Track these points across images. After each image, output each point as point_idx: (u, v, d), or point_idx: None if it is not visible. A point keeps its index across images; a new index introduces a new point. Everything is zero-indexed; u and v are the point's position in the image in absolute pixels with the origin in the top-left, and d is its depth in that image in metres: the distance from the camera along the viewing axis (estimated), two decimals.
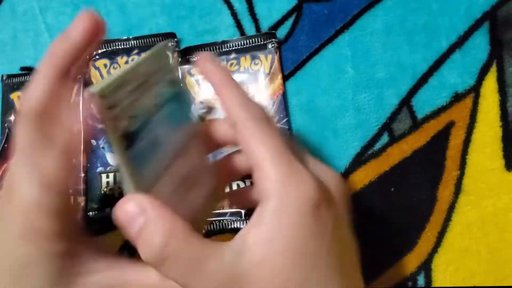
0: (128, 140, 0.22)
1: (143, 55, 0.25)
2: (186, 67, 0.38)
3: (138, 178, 0.23)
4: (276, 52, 0.38)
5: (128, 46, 0.38)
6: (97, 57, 0.38)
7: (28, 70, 0.39)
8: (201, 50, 0.38)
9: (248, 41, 0.38)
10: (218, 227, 0.36)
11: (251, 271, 0.21)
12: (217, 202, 0.34)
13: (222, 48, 0.38)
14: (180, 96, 0.26)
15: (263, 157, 0.23)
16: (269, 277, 0.21)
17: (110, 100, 0.21)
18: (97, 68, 0.38)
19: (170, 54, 0.25)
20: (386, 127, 0.38)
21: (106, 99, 0.21)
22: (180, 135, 0.26)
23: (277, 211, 0.22)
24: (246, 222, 0.29)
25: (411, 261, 0.37)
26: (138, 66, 0.23)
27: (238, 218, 0.36)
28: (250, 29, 0.39)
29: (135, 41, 0.38)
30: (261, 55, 0.38)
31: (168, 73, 0.25)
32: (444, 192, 0.37)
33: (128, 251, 0.37)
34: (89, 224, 0.37)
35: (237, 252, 0.22)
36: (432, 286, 0.37)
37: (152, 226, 0.22)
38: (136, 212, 0.22)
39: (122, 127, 0.22)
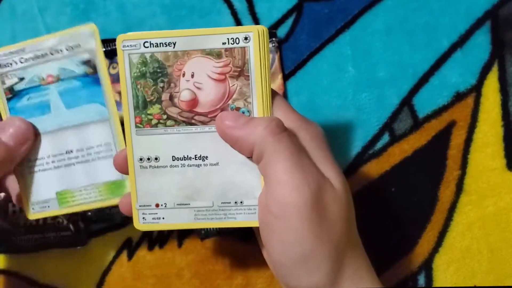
0: (12, 94, 0.30)
1: (59, 32, 0.30)
2: None
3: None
4: (277, 52, 0.38)
5: None
6: None
7: None
8: None
9: None
10: (215, 229, 0.35)
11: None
12: None
13: None
14: (91, 79, 0.31)
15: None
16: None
17: (2, 60, 0.30)
18: None
19: (93, 39, 0.30)
20: (387, 126, 0.38)
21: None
22: (77, 112, 0.31)
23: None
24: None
25: (412, 261, 0.37)
26: (44, 40, 0.30)
27: None
28: None
29: None
30: None
31: (83, 54, 0.30)
32: (445, 192, 0.37)
33: (128, 250, 0.37)
34: (88, 224, 0.37)
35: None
36: (433, 286, 0.37)
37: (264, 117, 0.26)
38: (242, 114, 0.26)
39: (9, 82, 0.30)
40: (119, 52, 0.27)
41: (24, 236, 0.36)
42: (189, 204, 0.28)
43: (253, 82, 0.27)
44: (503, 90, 0.38)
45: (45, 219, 0.36)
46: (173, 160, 0.28)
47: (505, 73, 0.38)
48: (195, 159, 0.27)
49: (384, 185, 0.38)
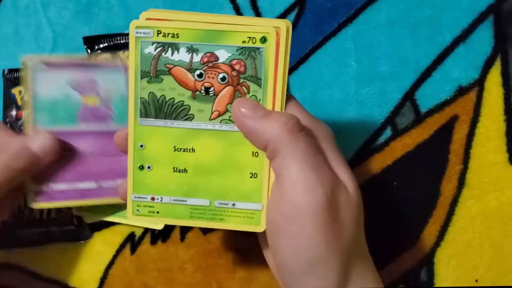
0: None
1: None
2: None
3: None
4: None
5: None
6: (99, 51, 0.38)
7: None
8: None
9: None
10: None
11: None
12: None
13: None
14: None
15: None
16: None
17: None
18: None
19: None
20: (389, 121, 0.38)
21: None
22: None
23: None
24: None
25: (414, 255, 0.37)
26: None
27: None
28: None
29: None
30: None
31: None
32: (447, 186, 0.37)
33: (131, 244, 0.37)
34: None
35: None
36: (434, 286, 0.37)
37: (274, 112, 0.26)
38: (261, 105, 0.26)
39: None
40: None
41: (28, 230, 0.36)
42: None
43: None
44: (506, 84, 0.38)
45: (49, 213, 0.36)
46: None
47: (508, 68, 0.38)
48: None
49: (386, 179, 0.38)
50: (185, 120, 0.27)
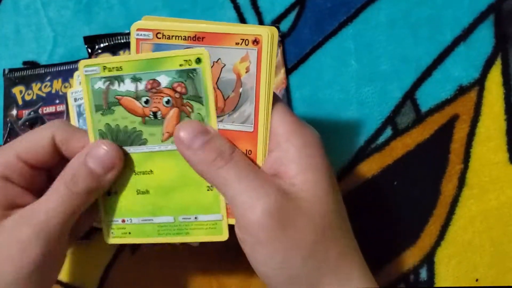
0: None
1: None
2: None
3: None
4: (279, 46, 0.38)
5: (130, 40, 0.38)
6: (99, 51, 0.38)
7: (30, 65, 0.39)
8: None
9: None
10: None
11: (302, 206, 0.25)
12: None
13: None
14: None
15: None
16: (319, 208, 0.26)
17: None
18: None
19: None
20: (390, 120, 0.38)
21: None
22: None
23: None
24: None
25: (414, 254, 0.37)
26: None
27: None
28: (253, 22, 0.39)
29: None
30: None
31: None
32: (448, 186, 0.37)
33: (131, 245, 0.37)
34: None
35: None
36: (434, 286, 0.37)
37: (218, 140, 0.26)
38: (201, 129, 0.26)
39: None
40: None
41: None
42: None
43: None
44: (506, 84, 0.38)
45: None
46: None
47: (508, 67, 0.38)
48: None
49: (386, 179, 0.38)
50: (140, 144, 0.28)
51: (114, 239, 0.29)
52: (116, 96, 0.27)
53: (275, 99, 0.27)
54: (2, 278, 0.25)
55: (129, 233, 0.29)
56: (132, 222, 0.29)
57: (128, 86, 0.27)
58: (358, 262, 0.27)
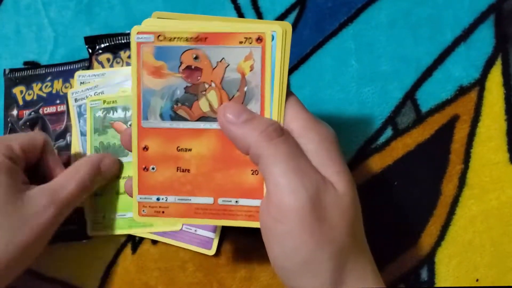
0: None
1: None
2: None
3: None
4: None
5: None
6: (100, 51, 0.38)
7: (31, 65, 0.39)
8: None
9: None
10: None
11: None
12: None
13: None
14: None
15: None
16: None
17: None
18: (100, 63, 0.38)
19: None
20: (390, 120, 0.38)
21: None
22: None
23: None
24: None
25: (415, 254, 0.37)
26: None
27: None
28: None
29: None
30: None
31: None
32: (448, 186, 0.37)
33: (132, 243, 0.38)
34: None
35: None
36: (434, 286, 0.37)
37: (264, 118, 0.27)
38: (245, 108, 0.27)
39: None
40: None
41: None
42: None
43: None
44: (507, 84, 0.38)
45: None
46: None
47: (509, 67, 0.38)
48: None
49: (387, 179, 0.38)
50: (123, 156, 0.35)
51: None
52: (110, 122, 0.35)
53: (289, 95, 0.27)
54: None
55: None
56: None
57: (119, 114, 0.35)
58: (370, 261, 0.27)
